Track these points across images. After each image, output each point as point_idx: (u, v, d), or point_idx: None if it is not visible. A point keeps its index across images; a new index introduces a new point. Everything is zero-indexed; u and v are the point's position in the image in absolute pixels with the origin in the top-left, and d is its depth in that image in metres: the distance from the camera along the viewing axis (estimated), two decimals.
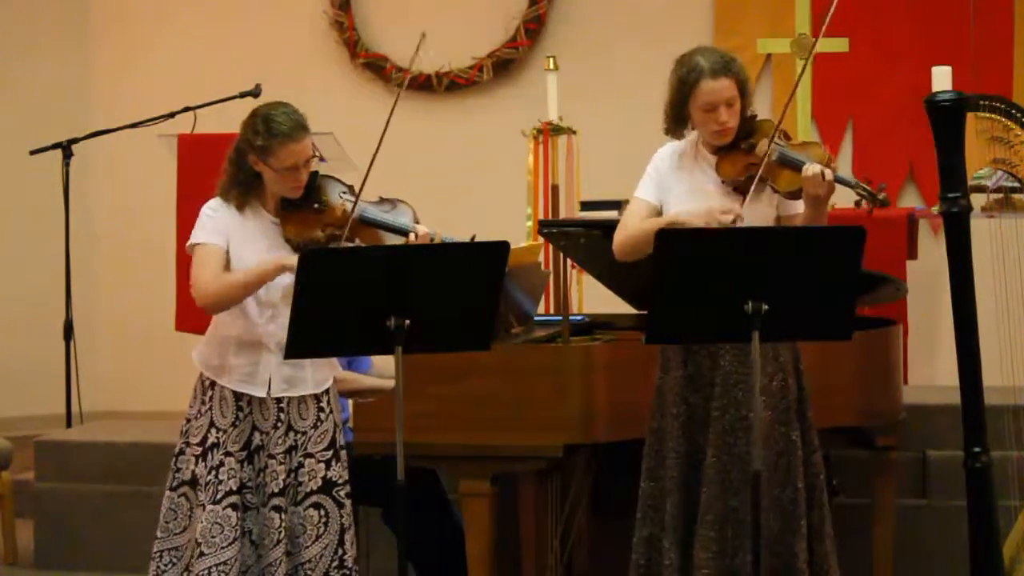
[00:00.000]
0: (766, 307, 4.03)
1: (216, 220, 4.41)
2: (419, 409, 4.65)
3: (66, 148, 6.79)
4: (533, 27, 7.99)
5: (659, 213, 4.49)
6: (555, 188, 6.43)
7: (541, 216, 6.35)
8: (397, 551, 4.14)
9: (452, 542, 5.14)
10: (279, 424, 4.43)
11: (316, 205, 4.45)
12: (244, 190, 4.42)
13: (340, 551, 4.46)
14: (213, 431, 4.43)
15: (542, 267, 5.82)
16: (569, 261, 5.66)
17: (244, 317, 4.42)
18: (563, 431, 4.73)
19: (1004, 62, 7.50)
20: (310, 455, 4.46)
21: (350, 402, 5.52)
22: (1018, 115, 4.70)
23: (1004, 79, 7.42)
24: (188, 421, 4.49)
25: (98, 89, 8.34)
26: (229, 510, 4.38)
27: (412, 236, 4.38)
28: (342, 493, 4.49)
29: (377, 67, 8.10)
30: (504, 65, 8.02)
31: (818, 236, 4.24)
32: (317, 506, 4.45)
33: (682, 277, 4.09)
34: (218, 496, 4.37)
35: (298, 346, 4.08)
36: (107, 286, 8.26)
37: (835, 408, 4.74)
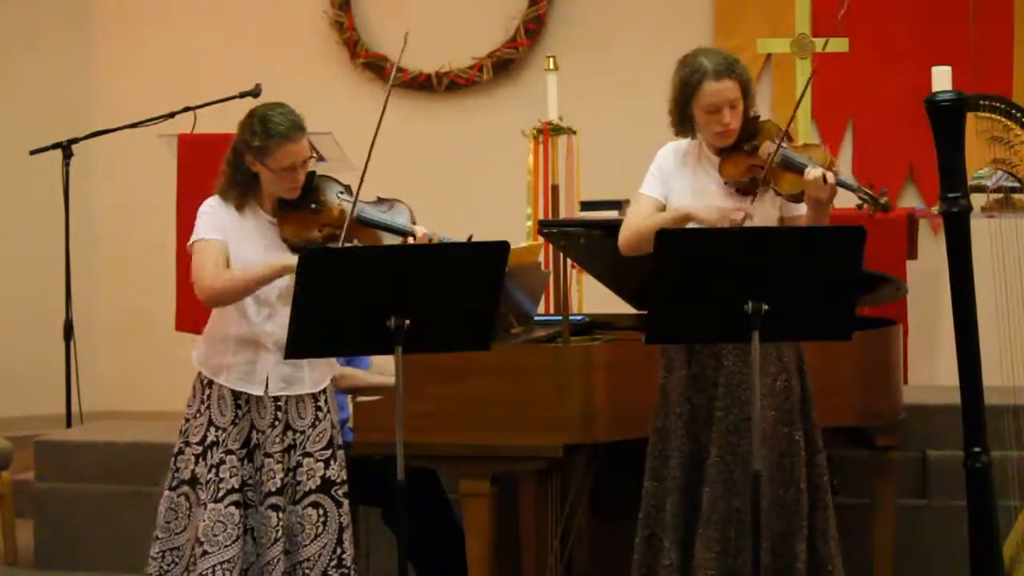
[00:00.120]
0: (766, 307, 4.03)
1: (215, 217, 4.41)
2: (419, 409, 4.65)
3: (66, 148, 6.79)
4: (533, 27, 7.99)
5: (664, 209, 4.49)
6: (555, 188, 6.43)
7: (541, 216, 6.35)
8: (397, 551, 4.14)
9: (452, 542, 5.14)
10: (276, 423, 4.43)
11: (313, 205, 4.45)
12: (242, 191, 4.42)
13: (339, 550, 4.46)
14: (212, 430, 4.43)
15: (542, 267, 5.82)
16: (569, 261, 5.66)
17: (242, 316, 4.42)
18: (563, 431, 4.73)
19: (1004, 62, 7.50)
20: (308, 454, 4.47)
21: (348, 399, 5.53)
22: (1018, 115, 4.70)
23: (1004, 79, 7.42)
24: (187, 420, 4.49)
25: (98, 89, 8.34)
26: (232, 508, 4.38)
27: (417, 233, 4.39)
28: (340, 492, 4.49)
29: (377, 67, 8.09)
30: (504, 65, 8.02)
31: (818, 236, 4.24)
32: (316, 505, 4.45)
33: (682, 277, 4.09)
34: (220, 494, 4.37)
35: (298, 346, 4.08)
36: (107, 286, 8.25)
37: (835, 408, 4.74)
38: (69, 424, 6.77)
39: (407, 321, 4.01)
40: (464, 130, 8.00)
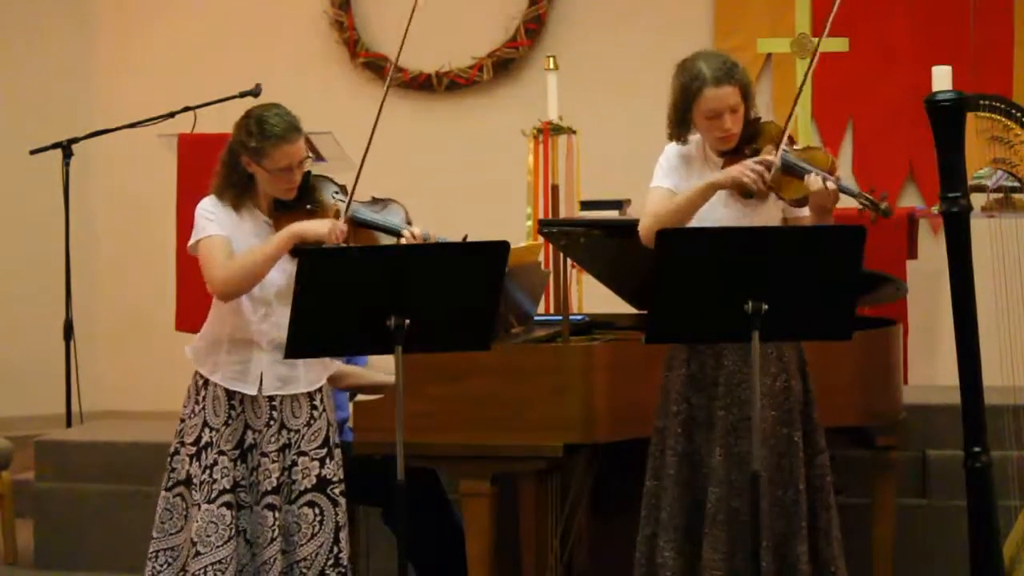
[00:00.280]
0: (766, 307, 4.03)
1: (215, 215, 4.41)
2: (419, 409, 4.64)
3: (66, 148, 6.79)
4: (533, 27, 7.99)
5: None
6: (555, 188, 6.42)
7: (541, 216, 6.34)
8: (397, 551, 4.14)
9: (452, 542, 5.14)
10: (271, 422, 4.43)
11: (309, 206, 4.45)
12: (238, 191, 4.43)
13: (335, 549, 4.46)
14: (207, 431, 4.43)
15: (542, 267, 5.82)
16: (569, 261, 5.66)
17: (237, 315, 4.42)
18: (563, 431, 4.72)
19: (1004, 62, 7.50)
20: (304, 453, 4.47)
21: (347, 398, 5.52)
22: (1018, 115, 4.70)
23: (1004, 79, 7.42)
24: (183, 421, 4.49)
25: (98, 89, 8.34)
26: (223, 509, 4.38)
27: (407, 235, 4.39)
28: (337, 491, 4.49)
29: (377, 67, 8.09)
30: (504, 65, 8.02)
31: (818, 236, 4.24)
32: (312, 504, 4.45)
33: (682, 277, 4.09)
34: (212, 495, 4.38)
35: (298, 346, 4.08)
36: (107, 286, 8.25)
37: (835, 408, 4.73)
38: (69, 424, 6.77)
39: (407, 321, 4.01)
40: (464, 130, 8.00)
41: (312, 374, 4.50)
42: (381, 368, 5.26)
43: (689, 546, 4.38)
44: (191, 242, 4.44)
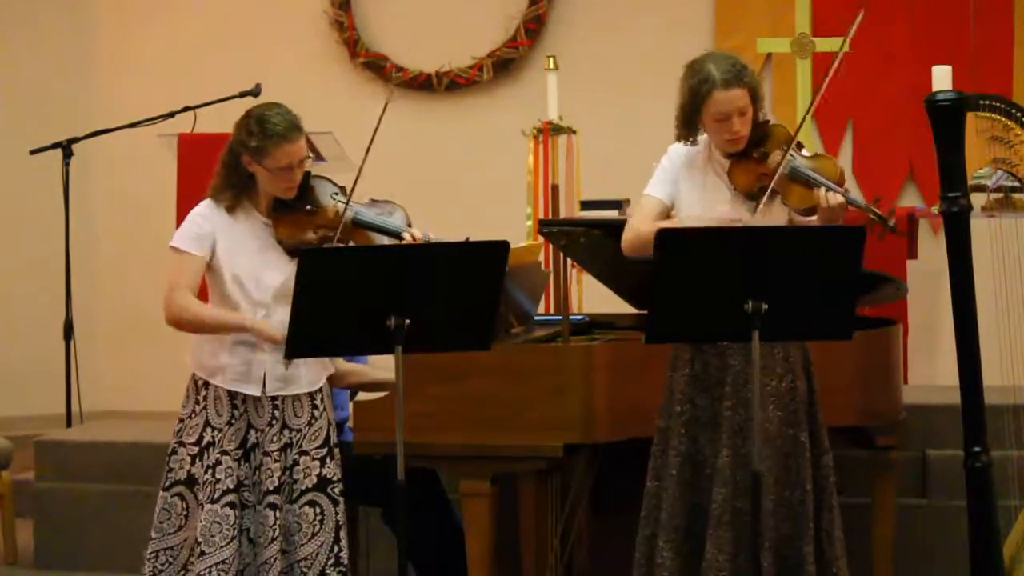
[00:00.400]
0: (766, 307, 4.03)
1: (203, 226, 4.42)
2: (419, 409, 4.64)
3: (66, 148, 6.79)
4: (533, 27, 7.99)
5: (670, 211, 4.48)
6: (555, 188, 6.43)
7: (541, 216, 6.35)
8: (397, 551, 4.14)
9: (452, 542, 5.14)
10: (274, 422, 4.44)
11: (308, 207, 4.45)
12: (237, 192, 4.43)
13: (336, 548, 4.47)
14: (209, 430, 4.43)
15: (542, 267, 5.82)
16: (569, 261, 5.66)
17: None
18: (563, 431, 4.72)
19: (1004, 62, 7.50)
20: (305, 453, 4.47)
21: (347, 397, 5.52)
22: (1018, 115, 4.70)
23: (1004, 79, 7.42)
24: (182, 421, 4.49)
25: (98, 89, 8.34)
26: (227, 509, 4.38)
27: (407, 237, 4.39)
28: (336, 490, 4.49)
29: (377, 67, 8.09)
30: (504, 65, 8.02)
31: (818, 236, 4.24)
32: (312, 503, 4.45)
33: (682, 277, 4.09)
34: (216, 495, 4.38)
35: (298, 346, 4.08)
36: (107, 286, 8.25)
37: (835, 408, 4.73)
38: (69, 424, 6.77)
39: (407, 321, 4.01)
40: (464, 130, 8.00)
41: (313, 374, 4.51)
42: (381, 366, 5.26)
43: (688, 547, 4.38)
44: (172, 241, 4.45)
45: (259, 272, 4.43)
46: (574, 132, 6.51)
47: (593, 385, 4.75)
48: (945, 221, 4.74)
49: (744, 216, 4.36)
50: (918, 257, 6.60)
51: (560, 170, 6.48)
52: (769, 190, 4.35)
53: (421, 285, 4.05)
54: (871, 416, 5.12)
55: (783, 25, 7.15)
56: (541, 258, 5.82)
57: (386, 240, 4.44)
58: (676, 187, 4.48)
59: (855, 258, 4.08)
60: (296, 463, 4.46)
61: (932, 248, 6.99)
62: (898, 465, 5.34)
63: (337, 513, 4.48)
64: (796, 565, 4.34)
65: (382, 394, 4.97)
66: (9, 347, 7.97)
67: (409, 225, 4.48)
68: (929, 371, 6.83)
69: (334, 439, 4.54)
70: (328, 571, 4.45)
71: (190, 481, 4.44)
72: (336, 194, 4.51)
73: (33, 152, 6.88)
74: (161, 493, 4.49)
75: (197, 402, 4.46)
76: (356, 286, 4.04)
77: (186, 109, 6.71)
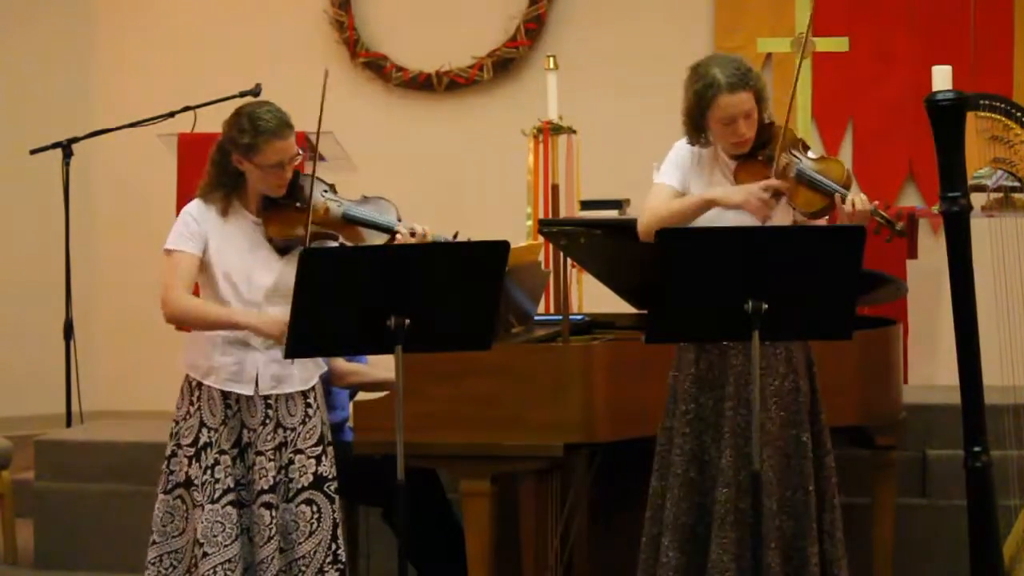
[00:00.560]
0: (766, 307, 4.03)
1: (195, 226, 4.42)
2: (419, 409, 4.64)
3: (66, 147, 6.79)
4: (533, 27, 7.99)
5: (680, 196, 4.47)
6: (555, 188, 6.43)
7: (541, 216, 6.35)
8: (397, 551, 4.13)
9: (452, 542, 5.14)
10: (267, 421, 4.43)
11: (298, 204, 4.44)
12: (227, 191, 4.43)
13: (333, 546, 4.46)
14: (204, 431, 4.43)
15: (542, 267, 5.82)
16: (569, 261, 5.66)
17: None
18: (563, 431, 4.72)
19: (1004, 62, 7.50)
20: (300, 451, 4.46)
21: (347, 397, 5.52)
22: (1018, 114, 4.70)
23: (1004, 79, 7.42)
24: (177, 423, 4.49)
25: (98, 88, 8.34)
26: (229, 507, 4.38)
27: (404, 232, 4.39)
28: (332, 488, 4.49)
29: (377, 67, 8.09)
30: (504, 65, 8.02)
31: (818, 236, 4.24)
32: (309, 502, 4.45)
33: (682, 276, 4.08)
34: (216, 495, 4.38)
35: (298, 346, 4.08)
36: (107, 286, 8.25)
37: (835, 408, 4.73)
38: (69, 424, 6.77)
39: (407, 321, 4.01)
40: (464, 130, 8.00)
41: (306, 372, 4.50)
42: (381, 366, 5.26)
43: (692, 546, 4.38)
44: (165, 244, 4.44)
45: (250, 271, 4.43)
46: (574, 132, 6.51)
47: (593, 385, 4.75)
48: (945, 221, 4.74)
49: (772, 180, 4.34)
50: (918, 257, 6.60)
51: (560, 170, 6.48)
52: (775, 193, 4.35)
53: (421, 285, 4.04)
54: (871, 416, 5.13)
55: (783, 25, 7.14)
56: (541, 258, 5.82)
57: (378, 236, 4.44)
58: (686, 178, 4.47)
59: (855, 258, 4.08)
60: (291, 462, 4.46)
61: (932, 248, 6.99)
62: (898, 465, 5.34)
63: (334, 511, 4.48)
64: (800, 565, 4.33)
65: (382, 394, 4.97)
66: (9, 347, 7.97)
67: (399, 220, 4.48)
68: (929, 371, 6.83)
69: (328, 437, 4.53)
70: (326, 568, 4.45)
71: (188, 483, 4.44)
72: (326, 191, 4.51)
73: (33, 152, 6.88)
74: (161, 496, 4.48)
75: (191, 403, 4.46)
76: (356, 286, 4.03)
77: (186, 109, 6.71)
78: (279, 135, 4.36)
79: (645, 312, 4.50)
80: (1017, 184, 5.00)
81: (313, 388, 4.53)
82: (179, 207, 6.19)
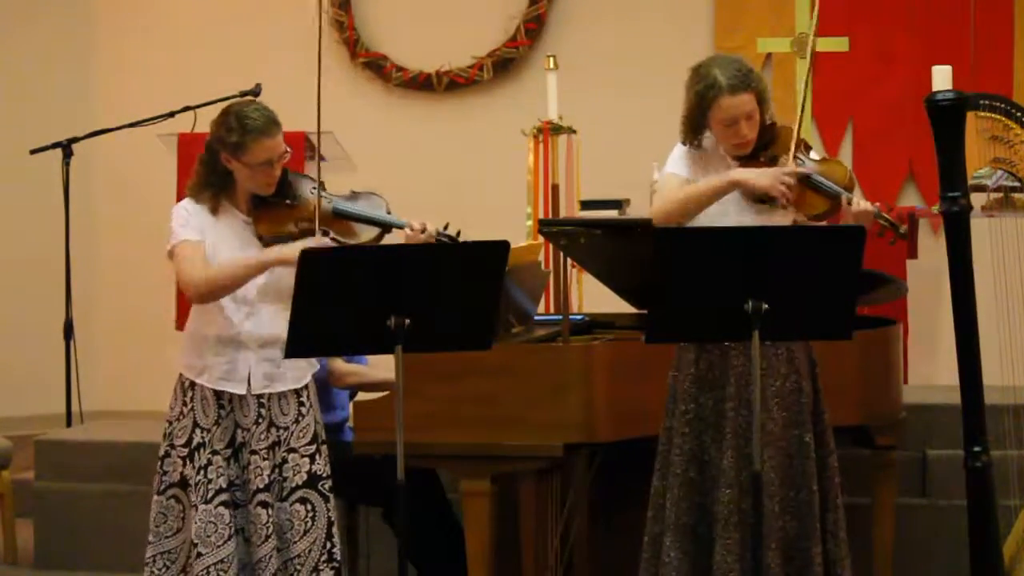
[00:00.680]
0: (766, 307, 4.03)
1: (192, 219, 4.42)
2: (419, 409, 4.64)
3: (66, 147, 6.79)
4: (533, 27, 7.99)
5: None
6: (555, 188, 6.43)
7: (541, 216, 6.34)
8: (397, 551, 4.14)
9: (452, 542, 5.14)
10: (260, 420, 4.43)
11: (288, 201, 4.44)
12: (216, 191, 4.43)
13: (328, 544, 4.47)
14: (198, 431, 4.43)
15: (542, 267, 5.82)
16: (569, 261, 5.66)
17: (221, 315, 4.42)
18: (563, 431, 4.72)
19: (1004, 62, 7.50)
20: (293, 450, 4.46)
21: (347, 397, 5.52)
22: (1018, 114, 4.70)
23: (1004, 79, 7.42)
24: (170, 423, 4.49)
25: (98, 88, 8.34)
26: (221, 508, 4.38)
27: (416, 227, 4.39)
28: (327, 487, 4.49)
29: (377, 66, 8.09)
30: (504, 64, 8.02)
31: (818, 236, 4.24)
32: (303, 501, 4.45)
33: (682, 276, 4.08)
34: (209, 495, 4.38)
35: (298, 346, 4.08)
36: (107, 286, 8.25)
37: (835, 408, 4.72)
38: (69, 424, 6.77)
39: (407, 321, 4.01)
40: (464, 130, 8.00)
41: (298, 371, 4.50)
42: (381, 366, 5.26)
43: (694, 547, 4.37)
44: (170, 243, 4.44)
45: None
46: (574, 132, 6.51)
47: (593, 385, 4.75)
48: (945, 221, 4.73)
49: (792, 166, 4.34)
50: (918, 257, 6.60)
51: (560, 170, 6.48)
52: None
53: (421, 285, 4.04)
54: (871, 416, 5.13)
55: (783, 25, 7.15)
56: (541, 258, 5.82)
57: (369, 230, 4.44)
58: (689, 168, 4.46)
59: (855, 258, 4.08)
60: (285, 461, 4.46)
61: (932, 248, 6.99)
62: (898, 465, 5.34)
63: (329, 509, 4.48)
64: (803, 566, 4.33)
65: (382, 394, 4.97)
66: (9, 347, 7.97)
67: (389, 213, 4.48)
68: (929, 371, 6.83)
69: (322, 436, 4.53)
70: (321, 567, 4.45)
71: (183, 483, 4.44)
72: (315, 189, 4.50)
73: (33, 152, 6.88)
74: (155, 497, 4.48)
75: (184, 403, 4.46)
76: (356, 286, 4.03)
77: (186, 109, 6.71)
78: (267, 133, 4.36)
79: (645, 312, 4.50)
80: (1017, 184, 5.00)
81: (306, 387, 4.53)
82: None
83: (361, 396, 5.31)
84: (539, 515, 4.90)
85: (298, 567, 4.43)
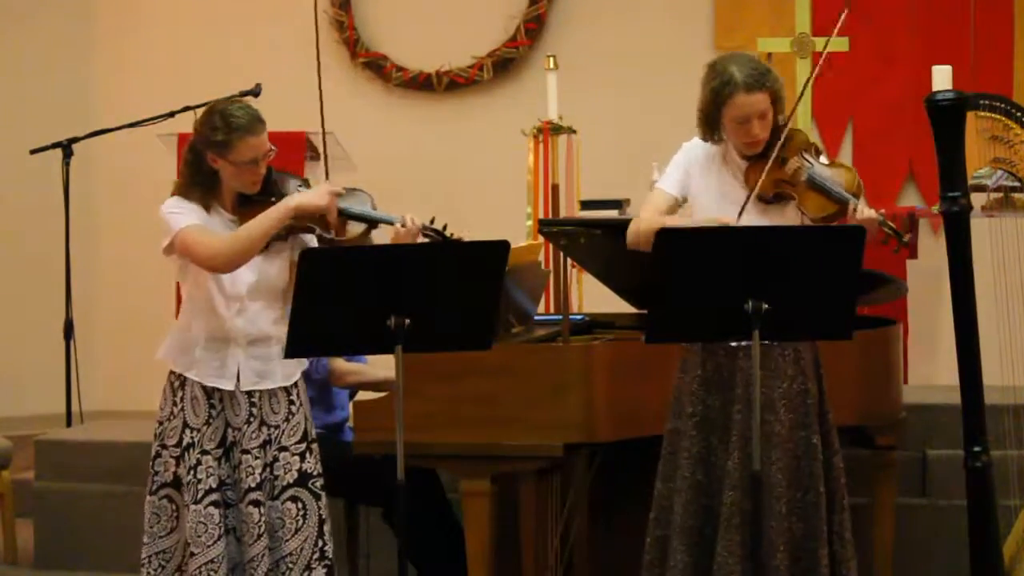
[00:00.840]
0: (766, 307, 4.03)
1: (184, 209, 4.40)
2: (419, 409, 4.64)
3: (66, 147, 6.79)
4: (533, 27, 7.99)
5: (680, 205, 4.48)
6: (555, 188, 6.43)
7: (541, 216, 6.35)
8: (397, 551, 4.14)
9: (452, 542, 5.14)
10: (252, 419, 4.43)
11: (273, 199, 4.44)
12: (203, 191, 4.42)
13: (320, 542, 4.46)
14: (188, 431, 4.42)
15: (542, 267, 5.82)
16: (569, 261, 5.66)
17: (211, 312, 4.42)
18: (563, 431, 4.72)
19: (1004, 62, 7.51)
20: (284, 448, 4.46)
21: (347, 397, 5.52)
22: (1018, 114, 4.70)
23: (1004, 79, 7.43)
24: (161, 424, 4.48)
25: (98, 88, 8.34)
26: (211, 508, 4.38)
27: (409, 223, 4.39)
28: (318, 485, 4.49)
29: (377, 66, 8.10)
30: (504, 64, 8.02)
31: (818, 236, 4.24)
32: (294, 499, 4.45)
33: (682, 276, 4.08)
34: (199, 495, 4.37)
35: (298, 345, 4.08)
36: (107, 286, 8.26)
37: (835, 408, 4.73)
38: (69, 424, 6.77)
39: (407, 321, 4.01)
40: (464, 130, 8.00)
41: (288, 368, 4.49)
42: (381, 366, 5.26)
43: (699, 548, 4.37)
44: (165, 243, 4.41)
45: None
46: (574, 132, 6.51)
47: (593, 385, 4.75)
48: (945, 221, 4.73)
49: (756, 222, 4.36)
50: (918, 257, 6.60)
51: (560, 170, 6.48)
52: (783, 194, 4.36)
53: (421, 285, 4.04)
54: (871, 416, 5.13)
55: (783, 25, 7.14)
56: (541, 258, 5.82)
57: (354, 226, 4.44)
58: (688, 181, 4.47)
59: (855, 258, 4.08)
60: (276, 459, 4.45)
61: (932, 248, 6.99)
62: (898, 465, 5.34)
63: (320, 508, 4.48)
64: (810, 567, 4.32)
65: (382, 394, 4.97)
66: (9, 347, 7.97)
67: (375, 208, 4.48)
68: (929, 371, 6.83)
69: (312, 434, 4.53)
70: (313, 565, 4.45)
71: (176, 483, 4.43)
72: (300, 186, 4.50)
73: (33, 152, 6.88)
74: (148, 497, 4.48)
75: (174, 403, 4.45)
76: (356, 286, 4.03)
77: (186, 109, 6.68)
78: (252, 131, 4.36)
79: (645, 312, 4.50)
80: (1017, 184, 5.00)
81: (295, 384, 4.52)
82: None
83: (361, 396, 5.31)
84: (539, 515, 4.90)
85: (290, 565, 4.43)
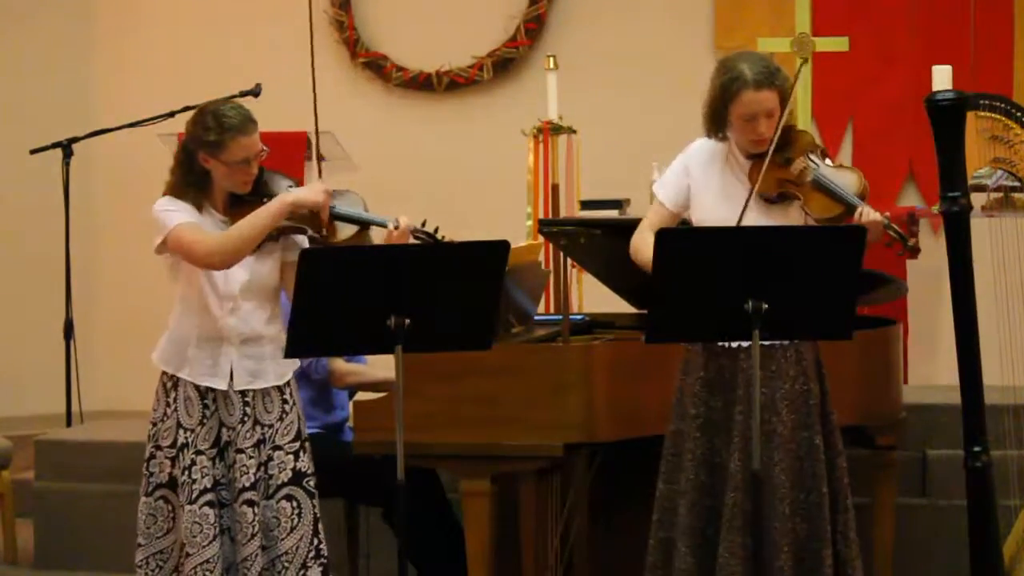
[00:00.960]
0: (766, 307, 4.03)
1: (176, 208, 4.39)
2: (419, 409, 4.64)
3: (66, 147, 6.79)
4: (533, 27, 7.99)
5: (676, 219, 4.49)
6: (555, 188, 6.43)
7: (541, 216, 6.35)
8: (397, 551, 4.14)
9: (452, 542, 5.14)
10: (246, 418, 4.43)
11: (265, 199, 4.44)
12: (195, 192, 4.42)
13: (315, 540, 4.46)
14: (182, 432, 4.42)
15: (542, 266, 5.82)
16: (569, 261, 5.66)
17: (203, 311, 4.42)
18: (563, 431, 4.72)
19: (1004, 62, 7.50)
20: (278, 447, 4.46)
21: (347, 397, 5.52)
22: (1018, 114, 4.70)
23: (1004, 79, 7.42)
24: (154, 425, 4.47)
25: (98, 88, 8.34)
26: (206, 508, 4.38)
27: (403, 224, 4.38)
28: (312, 483, 4.49)
29: (377, 66, 8.10)
30: (504, 64, 8.02)
31: (818, 236, 4.24)
32: (289, 498, 4.44)
33: (682, 276, 4.08)
34: (193, 496, 4.37)
35: (298, 346, 4.08)
36: (107, 286, 8.25)
37: (835, 408, 4.73)
38: (69, 424, 6.77)
39: (407, 321, 4.01)
40: (464, 130, 8.00)
41: (281, 367, 4.49)
42: (381, 366, 5.26)
43: (702, 549, 4.37)
44: (158, 241, 4.40)
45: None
46: (574, 132, 6.51)
47: (593, 385, 4.75)
48: (945, 221, 4.74)
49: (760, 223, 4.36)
50: (918, 257, 6.59)
51: (560, 170, 6.48)
52: (787, 194, 4.36)
53: (421, 285, 4.04)
54: (871, 416, 5.13)
55: (783, 25, 7.14)
56: (541, 258, 5.82)
57: (346, 228, 4.44)
58: (684, 185, 4.47)
59: (855, 258, 4.08)
60: (270, 458, 4.45)
61: (932, 248, 6.98)
62: (898, 465, 5.34)
63: (314, 506, 4.48)
64: (814, 567, 4.32)
65: (382, 394, 4.97)
66: (9, 347, 7.97)
67: (366, 210, 4.48)
68: (929, 371, 6.83)
69: (305, 433, 4.53)
70: (309, 563, 4.45)
71: (172, 483, 4.43)
72: (291, 186, 4.50)
73: (33, 152, 6.88)
74: (143, 499, 4.48)
75: (168, 404, 4.45)
76: (356, 286, 4.03)
77: (186, 109, 6.65)
78: (244, 131, 4.36)
79: (645, 312, 4.50)
80: (1017, 184, 5.00)
81: (288, 383, 4.52)
82: None
83: (361, 396, 5.31)
84: (539, 515, 4.90)
85: (286, 564, 4.43)
